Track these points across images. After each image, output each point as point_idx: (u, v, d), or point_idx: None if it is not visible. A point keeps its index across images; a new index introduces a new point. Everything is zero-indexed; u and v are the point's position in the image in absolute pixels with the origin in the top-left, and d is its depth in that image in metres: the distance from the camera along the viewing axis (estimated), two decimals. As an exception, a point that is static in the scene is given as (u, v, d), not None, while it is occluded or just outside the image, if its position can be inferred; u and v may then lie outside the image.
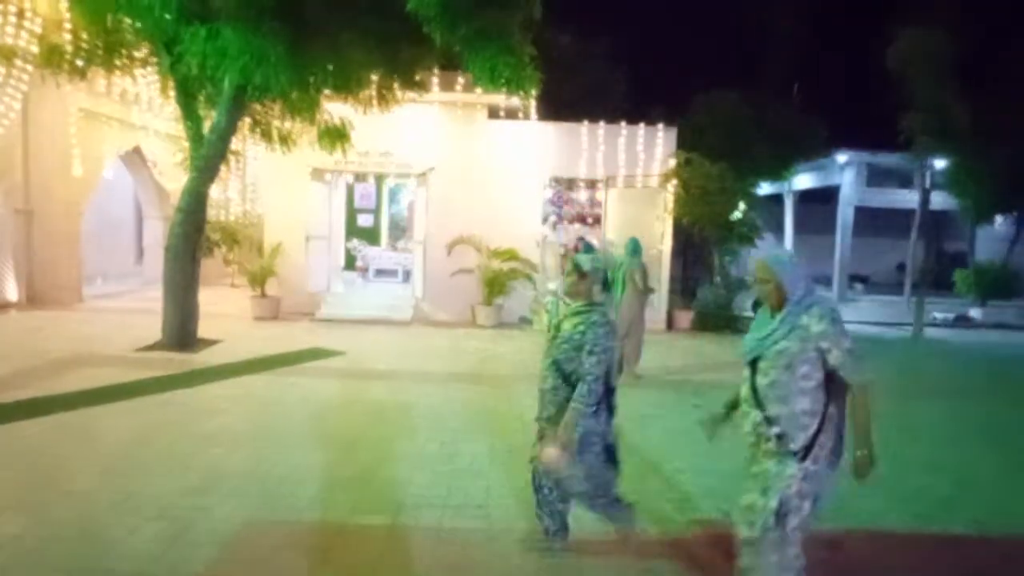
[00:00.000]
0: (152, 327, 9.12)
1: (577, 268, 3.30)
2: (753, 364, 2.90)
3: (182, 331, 8.93)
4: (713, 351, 10.77)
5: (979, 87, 15.03)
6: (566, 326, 3.29)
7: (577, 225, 12.88)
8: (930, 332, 13.89)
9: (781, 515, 2.78)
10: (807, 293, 2.84)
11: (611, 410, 3.39)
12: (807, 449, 2.76)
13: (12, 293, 11.31)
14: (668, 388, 8.04)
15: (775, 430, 2.81)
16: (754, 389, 2.88)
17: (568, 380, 3.23)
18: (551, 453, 3.25)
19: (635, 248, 8.37)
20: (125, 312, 11.72)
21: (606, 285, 3.36)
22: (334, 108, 10.16)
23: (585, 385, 3.15)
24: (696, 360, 9.97)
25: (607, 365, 3.23)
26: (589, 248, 11.72)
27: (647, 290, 8.44)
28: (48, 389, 6.71)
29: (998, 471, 5.68)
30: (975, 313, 16.52)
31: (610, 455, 3.36)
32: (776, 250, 3.09)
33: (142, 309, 11.43)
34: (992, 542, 4.31)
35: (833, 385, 2.81)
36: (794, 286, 2.84)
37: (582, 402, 3.15)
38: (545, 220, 12.45)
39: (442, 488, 4.64)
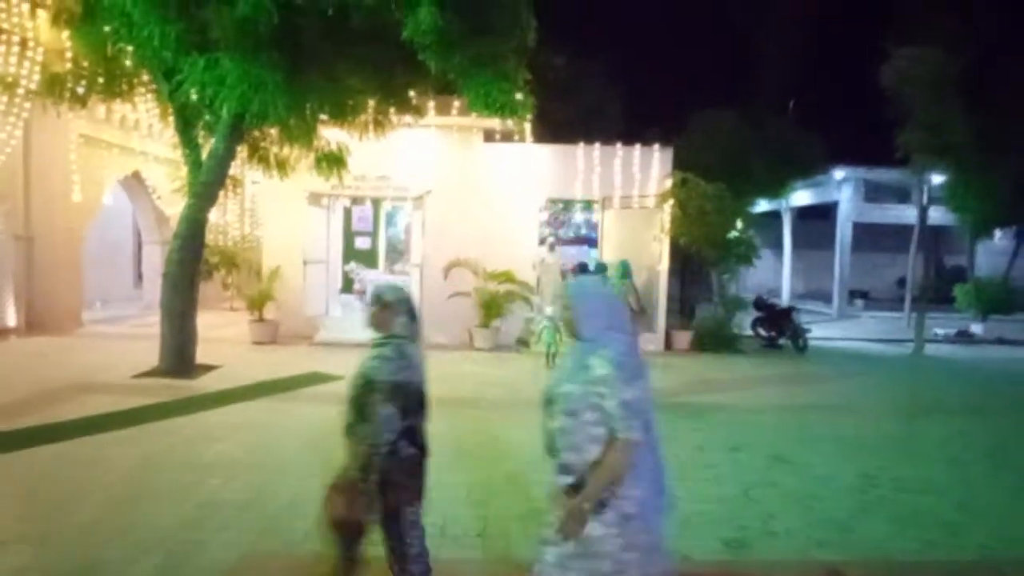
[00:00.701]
0: (151, 353, 9.10)
1: (378, 298, 3.11)
2: (549, 405, 2.60)
3: (180, 357, 8.93)
4: (712, 372, 10.71)
5: (977, 101, 15.01)
6: (365, 358, 3.07)
7: (574, 247, 12.91)
8: (931, 348, 13.86)
9: None
10: (606, 329, 2.52)
11: (422, 450, 3.22)
12: (604, 502, 2.45)
13: (12, 319, 11.31)
14: (666, 411, 7.97)
15: (569, 480, 2.51)
16: (549, 434, 2.59)
17: (363, 417, 2.98)
18: (336, 500, 3.07)
19: (625, 270, 8.44)
20: (125, 338, 11.72)
21: (413, 317, 3.15)
22: (331, 134, 10.23)
23: (369, 425, 2.91)
24: (695, 381, 9.90)
25: (403, 400, 3.02)
26: (601, 267, 11.69)
27: (640, 310, 8.51)
28: (48, 417, 6.70)
29: (1003, 493, 5.64)
30: (976, 328, 16.50)
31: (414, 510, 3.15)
32: (586, 279, 2.76)
33: (141, 335, 11.42)
34: (999, 570, 4.25)
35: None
36: (586, 322, 2.53)
37: (368, 441, 2.93)
38: (542, 242, 12.46)
39: (438, 517, 4.59)
